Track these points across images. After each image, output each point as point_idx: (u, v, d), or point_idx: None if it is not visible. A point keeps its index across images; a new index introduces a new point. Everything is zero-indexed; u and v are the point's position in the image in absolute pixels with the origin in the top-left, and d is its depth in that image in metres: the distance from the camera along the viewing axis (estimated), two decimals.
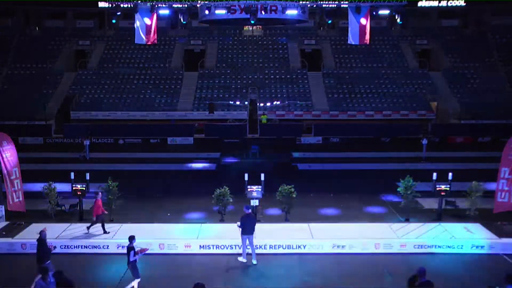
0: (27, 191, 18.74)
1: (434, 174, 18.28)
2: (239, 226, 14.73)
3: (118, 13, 27.78)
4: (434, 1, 46.14)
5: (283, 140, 35.58)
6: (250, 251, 14.74)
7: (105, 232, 16.25)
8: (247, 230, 14.62)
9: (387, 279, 13.51)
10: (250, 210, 15.30)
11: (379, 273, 13.87)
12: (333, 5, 24.24)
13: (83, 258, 15.03)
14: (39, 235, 13.21)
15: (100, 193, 16.75)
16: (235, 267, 14.55)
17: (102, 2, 44.50)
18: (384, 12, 24.42)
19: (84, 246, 15.47)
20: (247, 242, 14.66)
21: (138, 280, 12.76)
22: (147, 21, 23.55)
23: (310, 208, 19.48)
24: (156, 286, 13.44)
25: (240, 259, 14.83)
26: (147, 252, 13.26)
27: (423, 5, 46.54)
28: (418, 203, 19.44)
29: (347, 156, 30.67)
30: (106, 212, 16.74)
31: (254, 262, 14.65)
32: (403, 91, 41.86)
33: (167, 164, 28.75)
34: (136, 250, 12.65)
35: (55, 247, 13.92)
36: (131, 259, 12.59)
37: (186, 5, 24.54)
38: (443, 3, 46.22)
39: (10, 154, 17.62)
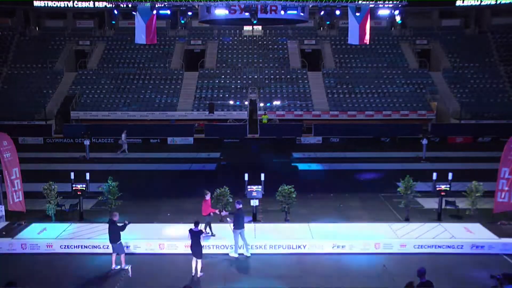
0: (27, 191, 18.73)
1: (434, 174, 18.28)
2: (231, 221, 15.12)
3: (116, 12, 27.72)
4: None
5: (283, 140, 35.57)
6: (242, 244, 15.07)
7: (212, 234, 16.08)
8: (240, 224, 14.92)
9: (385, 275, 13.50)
10: (241, 205, 15.44)
11: (379, 273, 13.87)
12: (333, 5, 24.25)
13: (83, 258, 15.03)
14: (110, 217, 14.29)
15: (209, 193, 16.48)
16: (235, 267, 14.57)
17: (102, 2, 44.60)
18: (384, 12, 24.45)
19: (84, 246, 15.47)
20: (239, 237, 14.96)
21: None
22: (147, 21, 23.54)
23: (310, 208, 19.48)
24: (156, 285, 13.45)
25: (232, 254, 15.06)
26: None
27: None
28: (418, 203, 19.43)
29: (347, 156, 30.67)
30: (216, 211, 16.71)
31: (248, 254, 15.05)
32: (403, 91, 41.85)
33: (167, 164, 28.75)
34: (204, 232, 14.06)
35: (129, 223, 14.64)
36: (201, 240, 13.79)
37: (186, 5, 24.54)
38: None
39: (10, 154, 17.62)
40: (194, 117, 39.36)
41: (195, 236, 13.81)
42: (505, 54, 45.57)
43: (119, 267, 14.18)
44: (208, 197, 16.31)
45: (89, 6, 46.44)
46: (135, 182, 23.88)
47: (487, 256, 15.17)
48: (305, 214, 18.59)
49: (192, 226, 14.04)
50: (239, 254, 15.10)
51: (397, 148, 33.24)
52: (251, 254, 15.14)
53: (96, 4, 46.32)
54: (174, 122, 38.77)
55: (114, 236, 14.09)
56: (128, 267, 13.99)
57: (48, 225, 17.12)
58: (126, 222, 14.50)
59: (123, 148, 31.29)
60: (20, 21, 49.73)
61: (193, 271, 13.81)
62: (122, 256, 14.16)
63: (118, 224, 14.23)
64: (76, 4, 46.04)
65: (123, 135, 31.32)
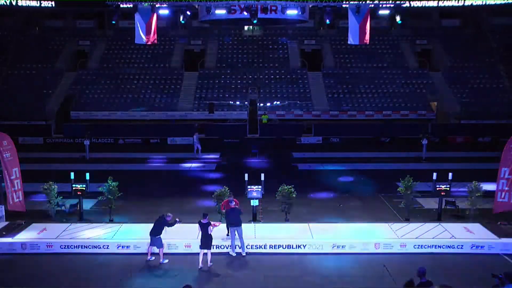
0: (27, 191, 18.72)
1: (434, 174, 18.28)
2: (226, 219, 15.42)
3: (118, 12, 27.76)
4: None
5: (283, 140, 35.58)
6: (239, 243, 15.16)
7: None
8: (234, 222, 15.05)
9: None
10: (233, 203, 15.52)
11: (379, 273, 13.87)
12: (333, 5, 24.27)
13: (83, 258, 15.04)
14: (163, 215, 14.95)
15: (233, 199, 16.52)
16: (235, 267, 14.58)
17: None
18: (384, 12, 24.46)
19: (84, 246, 15.47)
20: (236, 235, 15.06)
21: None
22: (147, 21, 23.55)
23: (310, 208, 19.50)
24: (157, 285, 13.45)
25: (231, 253, 15.18)
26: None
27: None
28: (418, 203, 19.44)
29: (347, 156, 30.67)
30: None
31: (244, 254, 15.11)
32: (403, 91, 41.86)
33: (167, 164, 28.74)
34: (212, 224, 14.54)
35: (180, 220, 15.44)
36: (210, 232, 14.31)
37: (186, 5, 24.57)
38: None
39: (10, 154, 17.63)
40: (194, 117, 39.38)
41: (204, 227, 14.32)
42: (505, 54, 45.52)
43: (153, 258, 14.84)
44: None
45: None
46: (135, 182, 23.88)
47: (487, 256, 15.16)
48: (305, 214, 18.59)
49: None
50: (236, 253, 15.17)
51: (397, 148, 33.25)
52: (251, 253, 15.13)
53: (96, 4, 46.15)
54: (174, 122, 38.77)
55: (157, 230, 14.71)
56: (166, 261, 14.64)
57: (48, 225, 17.11)
58: (177, 220, 15.20)
59: (196, 149, 31.25)
60: (20, 21, 49.64)
61: (200, 263, 14.25)
62: (161, 251, 14.72)
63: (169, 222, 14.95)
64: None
65: (195, 136, 31.33)
